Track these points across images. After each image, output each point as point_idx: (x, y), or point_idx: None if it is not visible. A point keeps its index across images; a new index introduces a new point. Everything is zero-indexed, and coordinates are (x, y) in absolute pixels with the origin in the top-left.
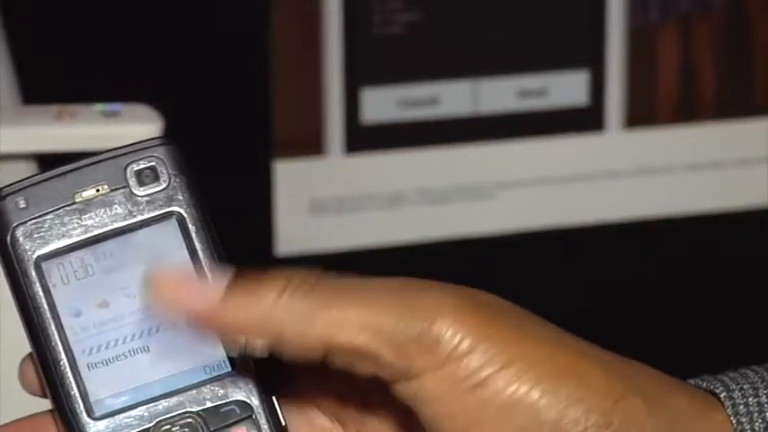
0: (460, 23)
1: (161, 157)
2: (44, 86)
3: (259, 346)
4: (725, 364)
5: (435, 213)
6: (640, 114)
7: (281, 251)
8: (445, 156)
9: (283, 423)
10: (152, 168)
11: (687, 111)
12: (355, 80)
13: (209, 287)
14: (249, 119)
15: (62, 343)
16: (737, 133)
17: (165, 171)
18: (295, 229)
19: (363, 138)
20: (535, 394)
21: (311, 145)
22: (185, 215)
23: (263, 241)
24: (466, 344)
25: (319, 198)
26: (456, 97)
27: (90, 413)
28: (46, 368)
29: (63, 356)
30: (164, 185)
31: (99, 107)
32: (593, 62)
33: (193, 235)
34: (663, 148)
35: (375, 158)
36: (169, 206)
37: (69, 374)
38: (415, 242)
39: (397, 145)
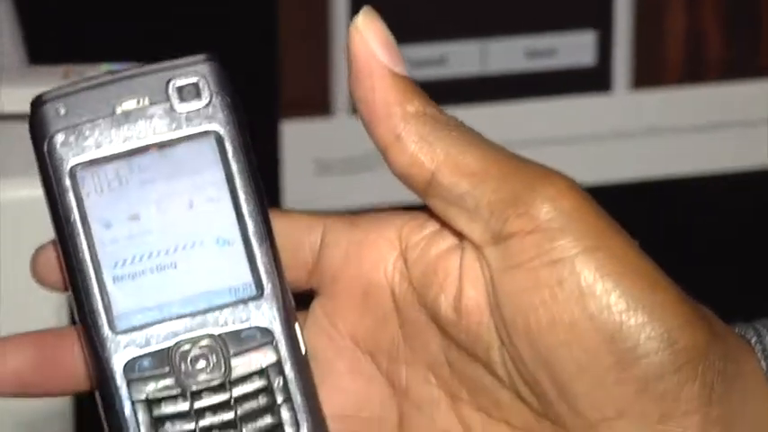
0: None
1: (204, 74)
2: (50, 46)
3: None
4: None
5: None
6: (647, 75)
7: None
8: (453, 114)
9: (303, 351)
10: (194, 85)
11: (693, 72)
12: None
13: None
14: (256, 79)
15: (90, 254)
16: (743, 94)
17: (207, 88)
18: (301, 188)
19: None
20: (609, 286)
21: (318, 105)
22: (224, 135)
23: (269, 201)
24: (559, 220)
25: (326, 158)
26: (464, 57)
27: (112, 327)
28: (72, 278)
29: (90, 267)
30: (204, 103)
31: (105, 66)
32: (601, 22)
33: (230, 155)
34: (669, 108)
35: None
36: (208, 124)
37: (94, 286)
38: (421, 203)
39: None
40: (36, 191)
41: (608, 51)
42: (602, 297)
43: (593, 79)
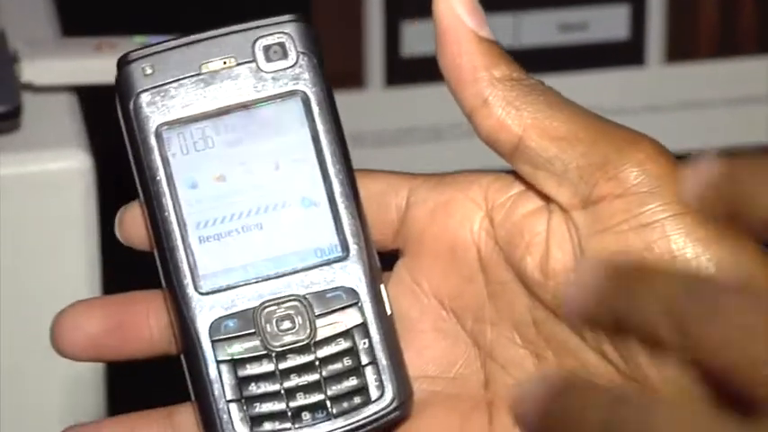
0: None
1: (291, 33)
2: (84, 19)
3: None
4: None
5: (474, 146)
6: (681, 48)
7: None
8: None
9: (389, 312)
10: (281, 45)
11: (728, 45)
12: (396, 13)
13: None
14: None
15: (175, 214)
16: None
17: (293, 48)
18: None
19: (403, 71)
20: (699, 250)
21: (351, 78)
22: (310, 95)
23: None
24: (648, 184)
25: (359, 131)
26: (497, 31)
27: (197, 287)
28: (157, 238)
29: (175, 228)
30: (291, 63)
31: (138, 39)
32: None
33: (316, 116)
34: (703, 82)
35: (415, 91)
36: (295, 84)
37: (180, 247)
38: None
39: (437, 78)
40: (71, 162)
41: (641, 25)
42: (692, 261)
43: (627, 53)
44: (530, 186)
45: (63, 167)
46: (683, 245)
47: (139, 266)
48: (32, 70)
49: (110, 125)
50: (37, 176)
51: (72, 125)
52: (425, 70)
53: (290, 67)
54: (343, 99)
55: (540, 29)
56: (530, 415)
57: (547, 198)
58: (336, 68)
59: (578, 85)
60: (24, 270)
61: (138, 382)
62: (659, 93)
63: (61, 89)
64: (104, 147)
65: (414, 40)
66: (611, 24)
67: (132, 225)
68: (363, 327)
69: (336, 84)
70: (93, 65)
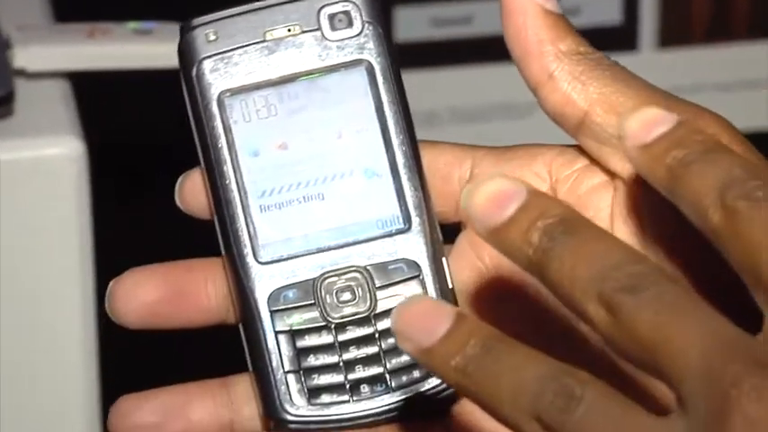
0: None
1: (356, 2)
2: (76, 4)
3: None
4: None
5: (469, 132)
6: (673, 34)
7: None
8: (479, 74)
9: (450, 286)
10: (346, 13)
11: (720, 30)
12: (390, 0)
13: None
14: None
15: (237, 182)
16: None
17: (358, 17)
18: None
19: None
20: None
21: None
22: (375, 64)
23: None
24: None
25: None
26: (490, 15)
27: (257, 257)
28: (218, 206)
29: (236, 196)
30: (356, 32)
31: (132, 25)
32: None
33: (381, 86)
34: (696, 67)
35: (409, 77)
36: (360, 54)
37: (240, 215)
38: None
39: (430, 63)
40: (64, 148)
41: (634, 10)
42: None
43: (620, 38)
44: (594, 161)
45: (55, 153)
46: None
47: (131, 250)
48: (25, 56)
49: (101, 111)
50: (29, 162)
51: (64, 111)
52: (419, 55)
53: (355, 36)
54: None
55: None
56: None
57: (612, 174)
58: None
59: None
60: (17, 254)
61: (131, 376)
62: (652, 78)
63: (54, 75)
64: (96, 133)
65: (407, 26)
66: (604, 9)
67: (193, 192)
68: None
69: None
70: (86, 51)
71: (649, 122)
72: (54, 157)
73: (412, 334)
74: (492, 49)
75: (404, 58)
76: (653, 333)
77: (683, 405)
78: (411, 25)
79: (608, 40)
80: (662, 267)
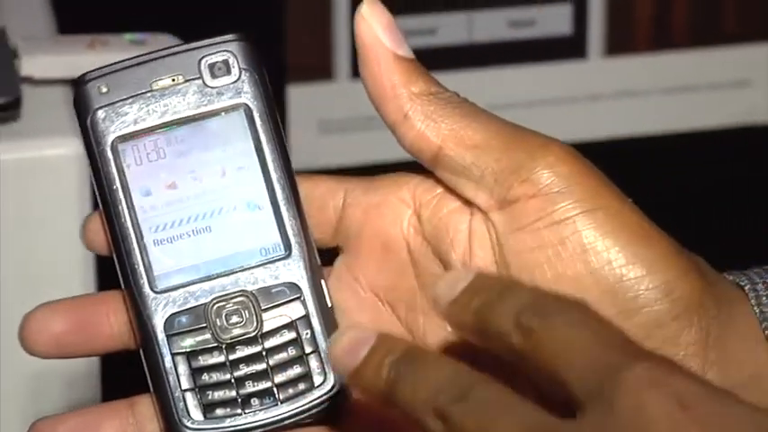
0: None
1: (233, 51)
2: (78, 18)
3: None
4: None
5: None
6: (619, 42)
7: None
8: (442, 80)
9: (330, 305)
10: (224, 62)
11: (662, 39)
12: None
13: None
14: (264, 47)
15: (131, 220)
16: (708, 59)
17: (236, 65)
18: (306, 146)
19: None
20: (609, 243)
21: (321, 70)
22: (252, 107)
23: None
24: (559, 184)
25: (328, 119)
26: (452, 27)
27: (153, 286)
28: (115, 242)
29: (131, 232)
30: (234, 78)
31: (128, 37)
32: None
33: (259, 126)
34: (640, 73)
35: None
36: (238, 98)
37: (136, 249)
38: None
39: None
40: (66, 149)
41: (583, 21)
42: (603, 253)
43: (570, 47)
44: (450, 190)
45: (59, 154)
46: (594, 239)
47: None
48: (31, 65)
49: None
50: (35, 162)
51: (68, 115)
52: None
53: (234, 82)
54: (313, 89)
55: (491, 25)
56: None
57: (468, 201)
58: (309, 62)
59: (526, 76)
60: (22, 248)
61: (131, 372)
62: (599, 83)
63: (57, 82)
64: None
65: None
66: (555, 21)
67: (94, 232)
68: (306, 318)
69: (307, 75)
70: (87, 60)
71: (452, 282)
72: (58, 157)
73: (341, 359)
74: (453, 58)
75: None
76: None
77: None
78: None
79: (559, 49)
80: (485, 376)
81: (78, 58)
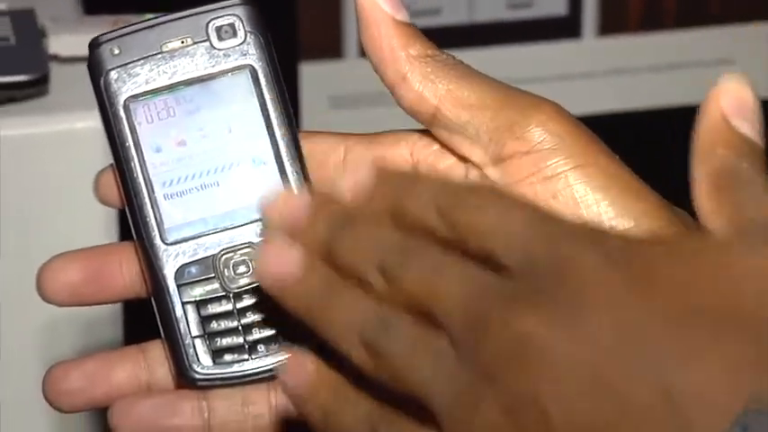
0: None
1: (239, 15)
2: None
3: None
4: None
5: None
6: (612, 23)
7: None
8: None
9: None
10: (231, 25)
11: (652, 20)
12: None
13: None
14: (277, 27)
15: (143, 175)
16: (694, 39)
17: (242, 28)
18: (317, 121)
19: None
20: (599, 197)
21: (331, 49)
22: (257, 68)
23: None
24: (551, 141)
25: (338, 95)
26: (455, 8)
27: (163, 239)
28: (128, 197)
29: (143, 188)
30: (240, 41)
31: (148, 16)
32: None
33: (263, 87)
34: (631, 52)
35: None
36: (244, 59)
37: (148, 204)
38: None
39: None
40: (92, 122)
41: (578, 3)
42: (593, 206)
43: (566, 27)
44: (447, 147)
45: (86, 127)
46: (585, 192)
47: None
48: (58, 44)
49: None
50: (63, 135)
51: (92, 90)
52: None
53: (240, 44)
54: (324, 67)
55: (491, 7)
56: None
57: (463, 157)
58: (318, 40)
59: (524, 55)
60: (51, 213)
61: (151, 320)
62: (593, 62)
63: (83, 60)
64: None
65: None
66: (552, 3)
67: (107, 187)
68: None
69: (318, 54)
70: None
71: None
72: (83, 130)
73: (269, 276)
74: (455, 37)
75: None
76: (420, 288)
77: (455, 346)
78: None
79: (555, 29)
80: (431, 243)
81: None
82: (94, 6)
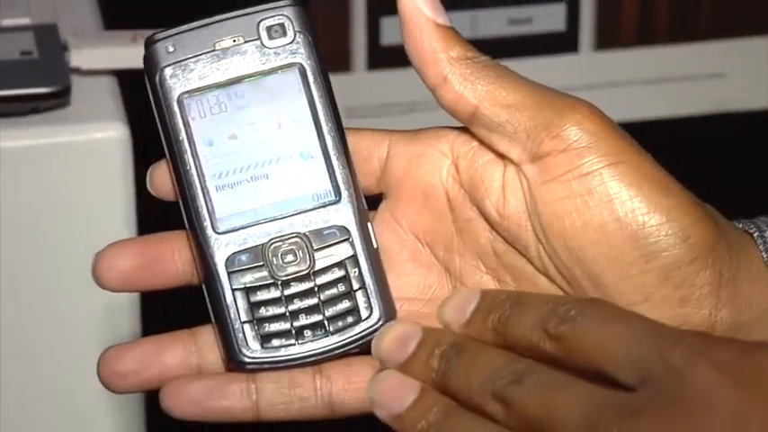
0: None
1: (289, 15)
2: (122, 14)
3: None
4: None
5: (441, 118)
6: (608, 38)
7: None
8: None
9: (375, 246)
10: (281, 25)
11: (646, 35)
12: (376, 9)
13: None
14: None
15: (196, 167)
16: (687, 53)
17: (291, 27)
18: None
19: (383, 57)
20: (632, 193)
21: (341, 62)
22: (306, 66)
23: None
24: (586, 139)
25: (347, 106)
26: (457, 24)
27: (215, 228)
28: (181, 188)
29: (196, 179)
30: (289, 40)
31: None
32: None
33: (312, 84)
34: (626, 66)
35: (393, 74)
36: (293, 58)
37: (200, 194)
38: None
39: (410, 63)
40: (112, 133)
41: (576, 19)
42: (627, 203)
43: (564, 42)
44: (485, 144)
45: (105, 137)
46: (619, 189)
47: (167, 218)
48: (80, 57)
49: (142, 103)
50: (84, 144)
51: (112, 102)
52: (401, 56)
53: (289, 43)
54: (333, 80)
55: (492, 23)
56: None
57: (501, 155)
58: (328, 54)
59: (524, 69)
60: (73, 221)
61: (167, 310)
62: (590, 75)
63: (103, 73)
64: (138, 121)
65: (391, 31)
66: (551, 19)
67: (160, 179)
68: (354, 258)
69: (330, 67)
70: (130, 53)
71: (460, 304)
72: (104, 140)
73: (385, 404)
74: None
75: (389, 58)
76: (540, 410)
77: None
78: (395, 31)
79: (554, 44)
80: (535, 362)
81: (122, 51)
82: (114, 21)
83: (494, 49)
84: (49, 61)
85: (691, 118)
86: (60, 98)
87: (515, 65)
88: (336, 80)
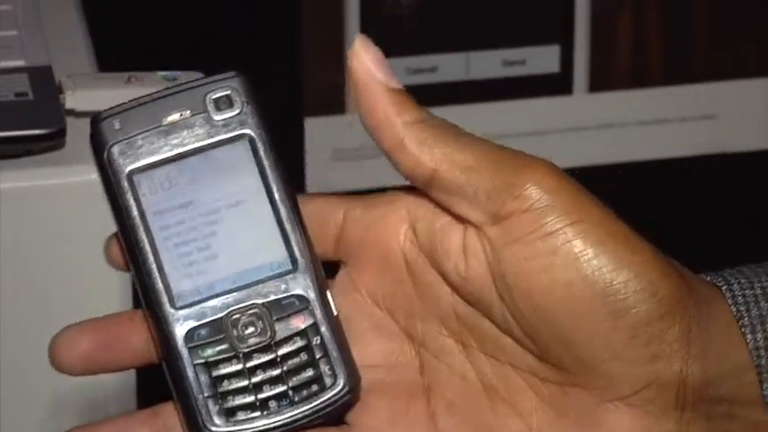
0: (456, 6)
1: (235, 86)
2: (116, 57)
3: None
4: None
5: None
6: (601, 80)
7: (309, 192)
8: (442, 114)
9: (335, 313)
10: (227, 96)
11: (639, 77)
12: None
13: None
14: (284, 85)
15: (149, 244)
16: (679, 96)
17: (238, 98)
18: (321, 173)
19: None
20: (598, 251)
21: (334, 105)
22: (255, 136)
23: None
24: (548, 198)
25: (341, 148)
26: (452, 66)
27: (172, 304)
28: (136, 265)
29: (150, 256)
30: (237, 111)
31: (161, 74)
32: (564, 38)
33: (261, 153)
34: (619, 107)
35: None
36: (242, 129)
37: (155, 271)
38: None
39: None
40: None
41: (569, 61)
42: (593, 260)
43: (557, 84)
44: (444, 208)
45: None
46: (583, 247)
47: None
48: (74, 99)
49: None
50: (79, 186)
51: None
52: None
53: (237, 114)
54: (328, 121)
55: (486, 64)
56: None
57: (459, 217)
58: (322, 97)
59: (518, 110)
60: (68, 263)
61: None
62: (584, 117)
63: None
64: None
65: None
66: (544, 61)
67: (117, 253)
68: (315, 326)
69: (322, 109)
70: (124, 95)
71: None
72: (98, 182)
73: None
74: (452, 94)
75: None
76: None
77: None
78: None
79: (548, 86)
80: None
81: (117, 92)
82: (109, 64)
83: (487, 90)
84: (43, 103)
85: (684, 159)
86: (55, 140)
87: (509, 106)
88: (330, 122)
